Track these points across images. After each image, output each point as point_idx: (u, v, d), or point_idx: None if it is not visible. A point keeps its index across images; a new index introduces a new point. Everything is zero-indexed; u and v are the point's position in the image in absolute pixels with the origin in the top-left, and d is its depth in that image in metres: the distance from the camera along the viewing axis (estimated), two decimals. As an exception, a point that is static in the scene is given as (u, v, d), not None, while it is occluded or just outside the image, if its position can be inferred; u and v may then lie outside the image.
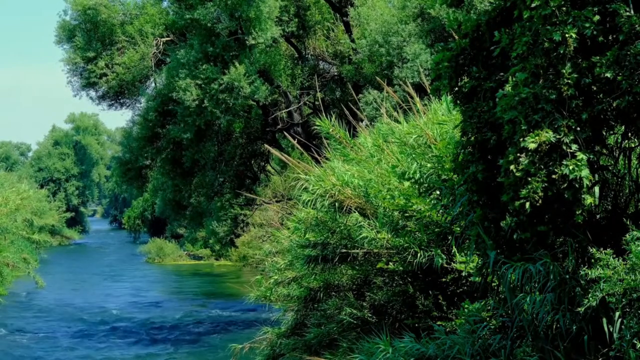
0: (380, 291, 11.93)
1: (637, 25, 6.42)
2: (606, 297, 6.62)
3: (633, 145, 7.52)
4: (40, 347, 26.21)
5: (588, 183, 6.55)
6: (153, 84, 28.52)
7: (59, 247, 70.36)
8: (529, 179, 6.53)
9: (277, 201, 22.90)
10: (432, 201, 10.46)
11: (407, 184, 10.76)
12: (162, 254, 57.28)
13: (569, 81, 6.55)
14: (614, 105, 6.55)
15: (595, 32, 6.57)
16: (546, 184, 6.51)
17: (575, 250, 7.16)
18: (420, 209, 10.64)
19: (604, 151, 7.41)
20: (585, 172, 6.48)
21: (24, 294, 37.61)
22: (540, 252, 7.10)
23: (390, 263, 11.21)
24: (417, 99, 12.68)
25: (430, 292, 11.28)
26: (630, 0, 6.55)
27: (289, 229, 13.95)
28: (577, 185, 6.52)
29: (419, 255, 10.61)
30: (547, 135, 6.49)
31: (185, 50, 25.02)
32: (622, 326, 6.62)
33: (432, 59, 7.69)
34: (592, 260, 6.85)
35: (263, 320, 15.37)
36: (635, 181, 7.60)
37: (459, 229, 9.50)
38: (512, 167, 6.60)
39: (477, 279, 8.55)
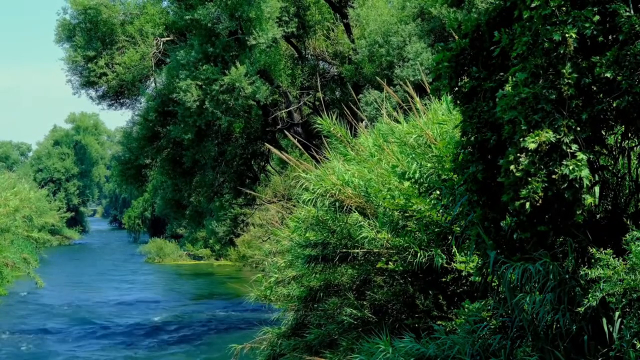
0: (380, 291, 11.94)
1: (637, 25, 6.42)
2: (606, 297, 6.62)
3: (633, 145, 7.52)
4: (40, 347, 26.21)
5: (588, 183, 6.55)
6: (153, 84, 28.50)
7: (59, 247, 70.37)
8: (529, 179, 6.53)
9: (278, 201, 22.89)
10: (432, 201, 10.46)
11: (407, 183, 10.77)
12: (162, 254, 57.30)
13: (569, 81, 6.55)
14: (614, 105, 6.55)
15: (595, 32, 6.57)
16: (546, 184, 6.51)
17: (575, 250, 7.16)
18: (420, 209, 10.65)
19: (604, 151, 7.42)
20: (585, 172, 6.48)
21: (24, 294, 37.61)
22: (540, 252, 7.11)
23: (390, 263, 11.22)
24: (417, 99, 12.68)
25: (430, 292, 11.28)
26: (630, 0, 6.56)
27: (289, 227, 13.96)
28: (577, 185, 6.52)
29: (419, 255, 10.61)
30: (547, 135, 6.49)
31: (185, 50, 25.01)
32: (622, 326, 6.62)
33: (432, 58, 7.71)
34: (592, 260, 6.86)
35: (263, 320, 15.37)
36: (635, 181, 7.61)
37: (459, 229, 9.51)
38: (512, 167, 6.60)
39: (477, 279, 8.56)
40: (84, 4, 26.97)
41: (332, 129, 12.78)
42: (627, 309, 6.64)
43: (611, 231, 7.30)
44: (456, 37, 7.91)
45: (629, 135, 7.26)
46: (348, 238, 11.79)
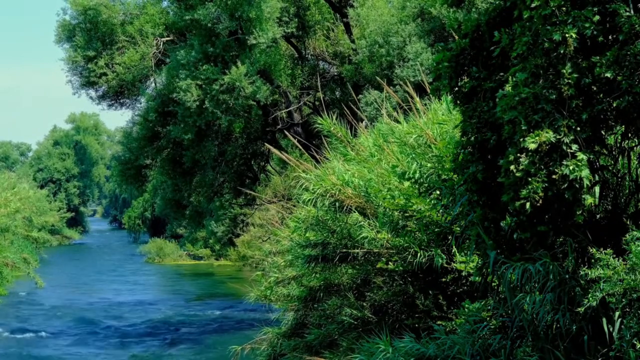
0: (380, 291, 11.94)
1: (637, 25, 6.42)
2: (606, 297, 6.62)
3: (633, 145, 7.52)
4: (40, 347, 26.21)
5: (588, 183, 6.55)
6: (153, 84, 28.50)
7: (59, 247, 70.38)
8: (529, 179, 6.53)
9: (278, 201, 22.90)
10: (432, 201, 10.46)
11: (407, 183, 10.77)
12: (162, 254, 57.31)
13: (569, 81, 6.55)
14: (614, 105, 6.55)
15: (595, 32, 6.57)
16: (546, 184, 6.51)
17: (575, 250, 7.16)
18: (420, 209, 10.65)
19: (604, 151, 7.42)
20: (585, 172, 6.48)
21: (24, 294, 37.61)
22: (540, 252, 7.10)
23: (390, 263, 11.22)
24: (417, 99, 12.68)
25: (430, 292, 11.28)
26: (630, 0, 6.56)
27: (289, 227, 13.96)
28: (577, 185, 6.52)
29: (419, 255, 10.61)
30: (547, 135, 6.49)
31: (185, 50, 25.01)
32: (622, 326, 6.62)
33: (432, 58, 7.72)
34: (592, 260, 6.86)
35: (263, 320, 15.38)
36: (635, 181, 7.61)
37: (459, 229, 9.51)
38: (512, 167, 6.60)
39: (477, 279, 8.56)
40: (83, 5, 26.97)
41: (332, 128, 12.77)
42: (627, 309, 6.64)
43: (611, 231, 7.30)
44: (456, 37, 7.91)
45: (629, 135, 7.26)
46: (348, 238, 11.78)
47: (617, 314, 6.69)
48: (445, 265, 10.64)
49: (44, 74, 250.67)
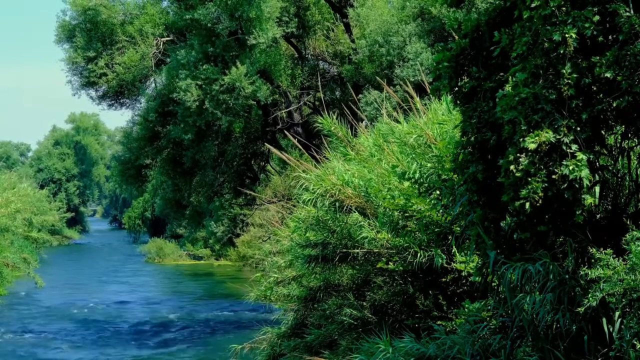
0: (380, 291, 11.94)
1: (637, 25, 6.43)
2: (606, 297, 6.62)
3: (633, 145, 7.52)
4: (40, 347, 26.21)
5: (588, 183, 6.55)
6: (153, 84, 28.54)
7: (59, 247, 70.38)
8: (529, 179, 6.53)
9: (278, 201, 22.90)
10: (432, 201, 10.46)
11: (407, 183, 10.76)
12: (162, 254, 57.28)
13: (569, 81, 6.55)
14: (614, 105, 6.55)
15: (595, 32, 6.57)
16: (546, 184, 6.52)
17: (575, 250, 7.16)
18: (420, 209, 10.64)
19: (604, 151, 7.42)
20: (585, 172, 6.48)
21: (24, 294, 37.61)
22: (540, 252, 7.10)
23: (390, 263, 11.22)
24: (417, 99, 12.68)
25: (430, 292, 11.28)
26: (630, 0, 6.56)
27: (289, 227, 13.96)
28: (577, 185, 6.52)
29: (419, 255, 10.61)
30: (547, 135, 6.49)
31: (186, 50, 25.03)
32: (622, 326, 6.62)
33: (432, 58, 7.73)
34: (592, 260, 6.85)
35: (263, 320, 15.37)
36: (635, 181, 7.61)
37: (459, 229, 9.51)
38: (512, 167, 6.61)
39: (477, 279, 8.55)
40: (83, 5, 27.00)
41: (332, 128, 12.77)
42: (627, 309, 6.64)
43: (611, 231, 7.30)
44: (456, 37, 7.91)
45: (629, 135, 7.26)
46: (348, 238, 11.78)
47: (617, 314, 6.69)
48: (445, 265, 10.64)
49: (44, 74, 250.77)
